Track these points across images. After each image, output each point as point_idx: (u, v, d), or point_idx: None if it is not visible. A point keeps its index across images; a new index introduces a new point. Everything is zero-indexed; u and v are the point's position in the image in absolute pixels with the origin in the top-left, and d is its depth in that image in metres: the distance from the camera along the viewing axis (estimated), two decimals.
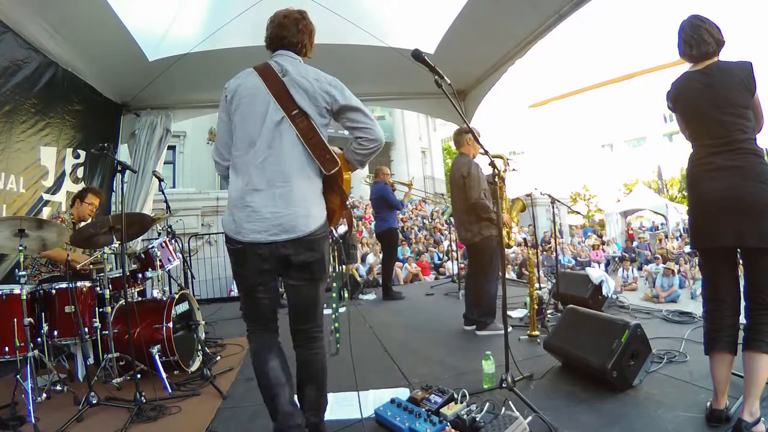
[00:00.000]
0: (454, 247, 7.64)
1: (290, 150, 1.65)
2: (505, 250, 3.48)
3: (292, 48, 1.78)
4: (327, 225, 1.75)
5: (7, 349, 2.59)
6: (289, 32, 1.76)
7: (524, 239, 11.16)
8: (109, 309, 2.95)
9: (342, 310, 5.10)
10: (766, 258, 1.73)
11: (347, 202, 1.77)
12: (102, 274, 2.99)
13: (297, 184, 1.66)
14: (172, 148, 15.79)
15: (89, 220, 3.51)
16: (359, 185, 20.10)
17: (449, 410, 2.03)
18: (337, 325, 2.05)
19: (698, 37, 1.85)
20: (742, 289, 1.84)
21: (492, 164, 2.46)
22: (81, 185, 4.42)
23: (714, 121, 1.82)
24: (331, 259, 1.84)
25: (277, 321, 1.91)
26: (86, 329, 2.88)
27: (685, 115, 1.94)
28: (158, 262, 3.30)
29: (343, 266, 6.54)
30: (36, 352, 2.55)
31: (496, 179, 2.54)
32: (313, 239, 1.69)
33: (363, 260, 11.23)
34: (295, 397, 1.81)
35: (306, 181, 1.68)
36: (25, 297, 2.43)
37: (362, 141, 1.70)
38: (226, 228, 1.71)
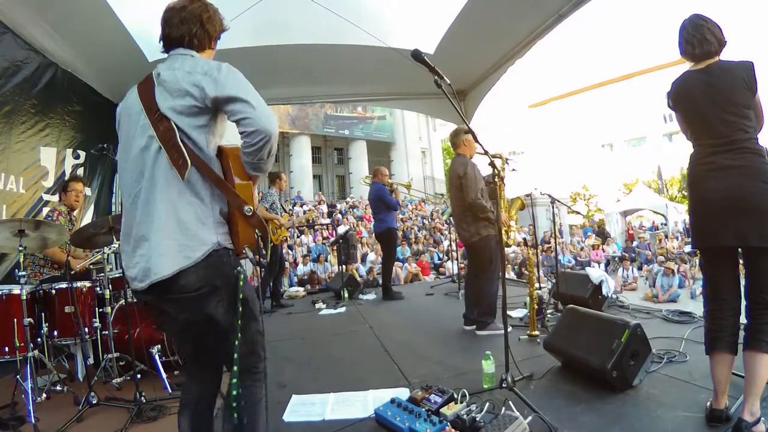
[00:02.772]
0: (454, 247, 7.65)
1: (155, 169, 1.36)
2: (505, 249, 3.48)
3: (179, 44, 1.46)
4: (218, 258, 1.36)
5: (7, 349, 2.60)
6: (171, 27, 1.46)
7: (524, 239, 11.17)
8: (109, 309, 2.95)
9: (342, 310, 5.12)
10: (767, 257, 1.73)
11: (247, 211, 1.36)
12: (102, 274, 2.99)
13: (160, 210, 1.34)
14: None
15: (78, 207, 3.55)
16: (359, 186, 20.11)
17: (449, 410, 2.03)
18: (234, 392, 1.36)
19: (701, 36, 1.85)
20: (742, 288, 1.84)
21: (491, 164, 2.46)
22: None
23: (715, 121, 1.81)
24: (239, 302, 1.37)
25: (211, 371, 1.58)
26: (86, 329, 2.88)
27: (686, 114, 1.94)
28: None
29: (344, 266, 6.56)
30: (36, 352, 2.56)
31: (496, 179, 2.54)
32: (188, 296, 1.34)
33: (363, 260, 11.23)
34: None
35: (174, 202, 1.34)
36: (25, 297, 2.43)
37: (243, 137, 1.34)
38: None
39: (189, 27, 1.45)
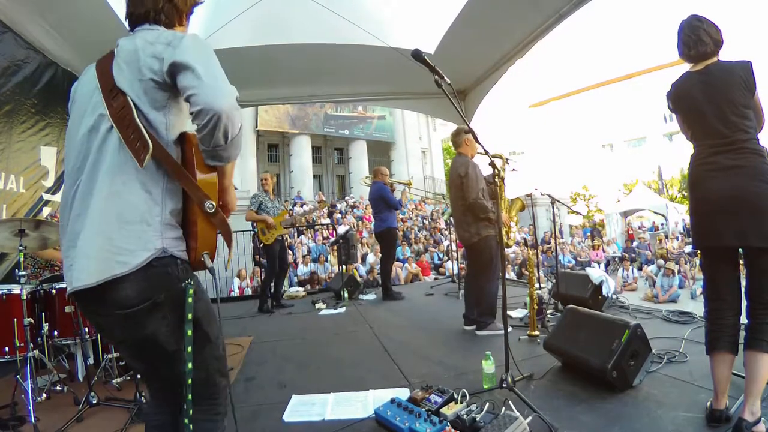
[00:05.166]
0: (454, 247, 7.64)
1: (101, 152, 1.15)
2: (505, 249, 3.48)
3: (144, 20, 1.28)
4: (160, 269, 1.14)
5: (7, 349, 2.60)
6: (134, 3, 1.29)
7: (524, 239, 11.16)
8: None
9: (342, 310, 5.12)
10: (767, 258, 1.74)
11: (209, 207, 1.16)
12: None
13: (97, 201, 1.12)
14: None
15: None
16: (359, 186, 20.10)
17: (449, 410, 2.03)
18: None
19: (696, 38, 1.86)
20: (743, 288, 1.84)
21: (492, 164, 2.46)
22: None
23: (715, 121, 1.81)
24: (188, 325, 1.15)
25: (166, 393, 1.32)
26: (86, 329, 2.88)
27: (686, 115, 1.94)
28: None
29: (344, 266, 6.56)
30: (36, 352, 2.56)
31: (496, 179, 2.54)
32: (123, 314, 1.11)
33: (363, 260, 11.23)
34: None
35: (116, 192, 1.12)
36: (25, 297, 2.43)
37: (192, 119, 1.11)
38: None
39: (154, 1, 1.28)
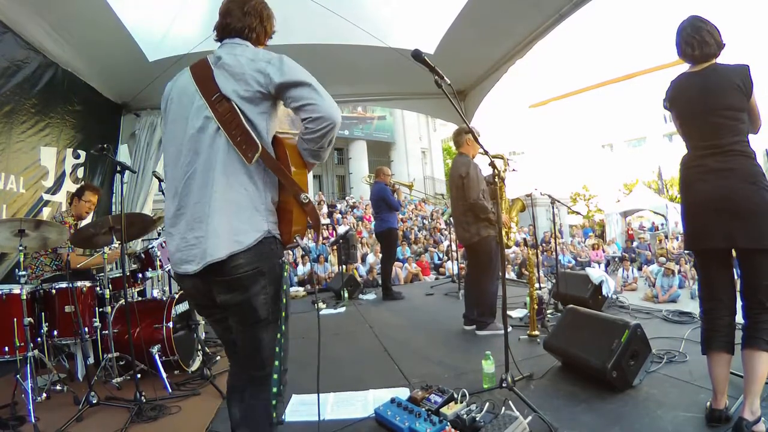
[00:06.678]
0: (454, 247, 7.64)
1: (212, 150, 1.36)
2: (505, 249, 3.48)
3: (238, 34, 1.51)
4: (266, 246, 1.38)
5: (7, 348, 2.60)
6: (233, 17, 1.51)
7: (524, 239, 11.16)
8: (109, 309, 2.95)
9: (342, 310, 5.12)
10: (759, 258, 1.75)
11: (303, 198, 1.38)
12: (102, 274, 2.99)
13: (217, 192, 1.34)
14: None
15: (87, 218, 3.53)
16: (360, 185, 20.10)
17: (449, 410, 2.03)
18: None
19: (700, 38, 1.86)
20: (738, 288, 1.85)
21: (492, 164, 2.46)
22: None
23: (707, 124, 1.84)
24: (282, 291, 1.41)
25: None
26: (86, 329, 2.88)
27: (680, 116, 1.97)
28: (158, 262, 3.31)
29: (344, 266, 6.56)
30: (36, 351, 2.56)
31: (496, 179, 2.54)
32: (235, 277, 1.34)
33: (363, 260, 11.23)
34: None
35: (231, 185, 1.35)
36: (25, 297, 2.43)
37: (307, 123, 1.35)
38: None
39: (251, 20, 1.52)
